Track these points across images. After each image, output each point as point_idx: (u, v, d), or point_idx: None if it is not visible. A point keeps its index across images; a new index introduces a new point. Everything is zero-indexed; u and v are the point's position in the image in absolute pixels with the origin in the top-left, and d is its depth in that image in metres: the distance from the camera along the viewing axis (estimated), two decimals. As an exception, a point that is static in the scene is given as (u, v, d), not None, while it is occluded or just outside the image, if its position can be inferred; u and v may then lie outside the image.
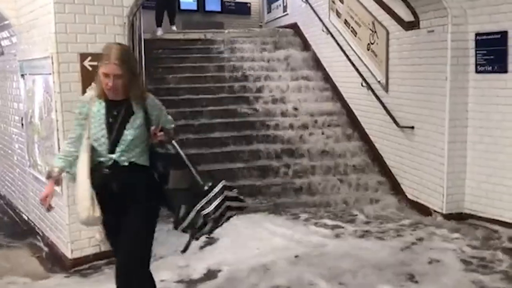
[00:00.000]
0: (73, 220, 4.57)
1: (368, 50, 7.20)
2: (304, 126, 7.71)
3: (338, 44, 7.98)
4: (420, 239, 5.18)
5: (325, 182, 6.80)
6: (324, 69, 8.74)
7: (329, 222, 5.79)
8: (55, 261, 4.89)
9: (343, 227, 5.61)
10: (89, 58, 4.51)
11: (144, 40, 6.63)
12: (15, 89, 6.03)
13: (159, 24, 9.85)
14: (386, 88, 6.77)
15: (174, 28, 10.17)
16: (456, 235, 5.23)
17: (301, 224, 5.75)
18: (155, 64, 8.20)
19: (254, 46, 9.42)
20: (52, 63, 4.43)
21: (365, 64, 7.28)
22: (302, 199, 6.55)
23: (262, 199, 6.46)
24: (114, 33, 4.64)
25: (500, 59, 5.21)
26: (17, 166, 6.33)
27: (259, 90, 8.31)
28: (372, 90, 7.03)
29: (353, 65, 7.50)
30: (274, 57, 9.12)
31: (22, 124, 5.81)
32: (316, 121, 7.82)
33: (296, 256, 4.73)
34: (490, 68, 5.32)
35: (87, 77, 4.49)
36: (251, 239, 5.17)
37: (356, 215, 6.06)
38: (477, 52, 5.39)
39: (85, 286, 4.30)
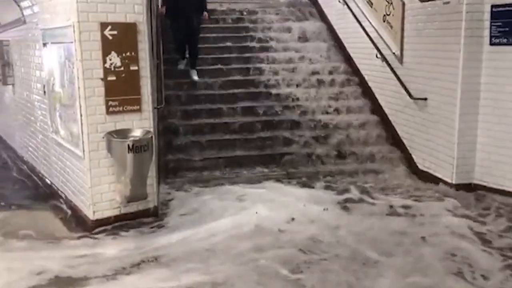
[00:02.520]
0: (95, 183, 4.82)
1: (384, 21, 7.20)
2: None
3: (354, 15, 7.97)
4: (427, 206, 5.35)
5: (337, 152, 6.93)
6: (340, 40, 8.76)
7: (341, 188, 6.04)
8: (78, 222, 5.16)
9: (354, 194, 5.84)
10: (109, 27, 4.66)
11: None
12: (37, 58, 6.21)
13: (181, 54, 8.11)
14: (400, 59, 6.80)
15: (195, 77, 7.87)
16: (462, 203, 5.40)
17: (315, 190, 6.00)
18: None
19: (270, 16, 9.44)
20: (74, 32, 4.58)
21: (380, 36, 7.29)
22: (316, 168, 6.71)
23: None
24: (133, 2, 4.78)
25: (515, 31, 5.22)
26: (40, 132, 6.57)
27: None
28: (387, 62, 7.06)
29: (369, 36, 7.51)
30: (289, 28, 9.15)
31: (44, 92, 6.02)
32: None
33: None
34: (505, 40, 5.34)
35: (107, 46, 4.68)
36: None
37: (366, 183, 6.21)
38: (492, 24, 5.40)
39: (106, 244, 4.56)
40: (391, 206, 5.42)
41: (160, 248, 4.45)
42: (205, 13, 7.87)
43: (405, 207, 5.40)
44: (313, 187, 6.10)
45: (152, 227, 4.92)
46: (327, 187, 6.10)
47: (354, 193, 5.88)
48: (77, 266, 4.14)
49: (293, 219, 5.02)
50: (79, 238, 4.78)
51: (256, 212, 5.10)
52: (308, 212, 5.20)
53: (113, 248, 4.47)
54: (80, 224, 5.08)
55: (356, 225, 4.90)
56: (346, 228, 4.83)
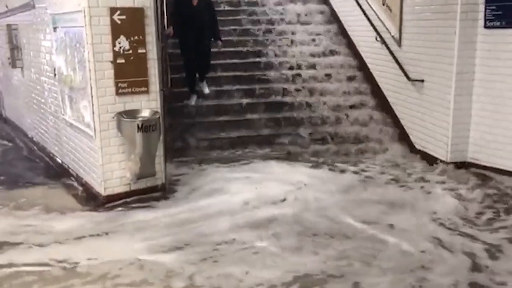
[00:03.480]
0: (106, 161, 5.08)
1: (383, 4, 7.37)
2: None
3: (354, -2, 8.13)
4: (420, 181, 5.68)
5: (337, 131, 7.17)
6: (341, 22, 8.93)
7: (340, 165, 6.35)
8: (90, 198, 5.44)
9: (351, 170, 6.16)
10: (118, 12, 4.88)
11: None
12: (47, 41, 6.42)
13: (192, 87, 7.32)
14: (399, 42, 6.99)
15: (206, 90, 7.39)
16: (454, 180, 5.68)
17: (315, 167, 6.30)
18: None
19: None
20: (85, 16, 4.80)
21: (379, 19, 7.47)
22: (315, 148, 6.96)
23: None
24: (141, -12, 4.97)
25: (509, 14, 5.40)
26: (51, 114, 6.81)
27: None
28: (386, 44, 7.25)
29: (369, 19, 7.69)
30: (290, 10, 9.31)
31: (55, 74, 6.25)
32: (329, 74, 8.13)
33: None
34: (498, 24, 5.52)
35: (116, 30, 4.90)
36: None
37: (365, 161, 6.47)
38: (487, 7, 5.58)
39: (117, 218, 4.84)
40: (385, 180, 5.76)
41: (166, 215, 4.85)
42: (219, 42, 7.29)
43: (399, 181, 5.74)
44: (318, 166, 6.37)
45: (159, 201, 5.21)
46: (328, 165, 6.37)
47: (353, 171, 6.16)
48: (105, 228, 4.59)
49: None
50: (90, 211, 5.07)
51: (256, 188, 5.41)
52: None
53: (126, 217, 4.84)
54: (92, 200, 5.36)
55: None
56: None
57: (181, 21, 6.84)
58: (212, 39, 7.20)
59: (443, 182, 5.63)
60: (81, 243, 4.34)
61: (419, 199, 5.22)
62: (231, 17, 8.93)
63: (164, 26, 6.69)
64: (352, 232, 4.44)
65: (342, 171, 6.14)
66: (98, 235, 4.48)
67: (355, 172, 6.11)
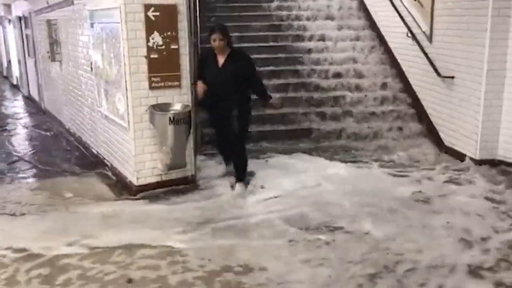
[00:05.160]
0: (139, 152, 5.29)
1: (415, 0, 7.33)
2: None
3: (386, -6, 8.11)
4: (450, 180, 5.64)
5: (368, 128, 7.21)
6: (372, 17, 8.92)
7: (368, 160, 6.42)
8: (123, 188, 5.66)
9: (381, 166, 6.19)
10: (152, 8, 5.05)
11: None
12: (85, 36, 6.68)
13: (224, 157, 5.79)
14: (430, 38, 6.96)
15: (239, 189, 5.34)
16: (484, 177, 5.64)
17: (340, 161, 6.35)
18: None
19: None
20: (121, 13, 4.99)
21: (411, 14, 7.44)
22: (347, 143, 7.05)
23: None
24: (174, -15, 5.13)
25: (542, 10, 5.34)
26: (87, 106, 7.09)
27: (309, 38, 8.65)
28: (417, 40, 7.23)
29: (400, 14, 7.67)
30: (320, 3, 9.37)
31: (91, 68, 6.50)
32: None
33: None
34: (531, 20, 5.46)
35: (150, 26, 5.08)
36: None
37: (394, 158, 6.49)
38: (519, 3, 5.52)
39: (149, 206, 5.05)
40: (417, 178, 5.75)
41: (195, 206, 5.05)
42: (273, 101, 5.41)
43: (429, 178, 5.72)
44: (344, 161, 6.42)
45: (190, 192, 5.40)
46: (357, 160, 6.43)
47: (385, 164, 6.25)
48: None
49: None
50: (124, 200, 5.29)
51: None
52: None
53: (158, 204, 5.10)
54: (125, 189, 5.58)
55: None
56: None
57: (207, 85, 5.20)
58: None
59: (471, 180, 5.60)
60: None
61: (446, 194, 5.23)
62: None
63: (197, 26, 6.58)
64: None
65: (369, 167, 6.17)
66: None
67: (381, 167, 6.16)
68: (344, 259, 3.90)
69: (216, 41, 5.04)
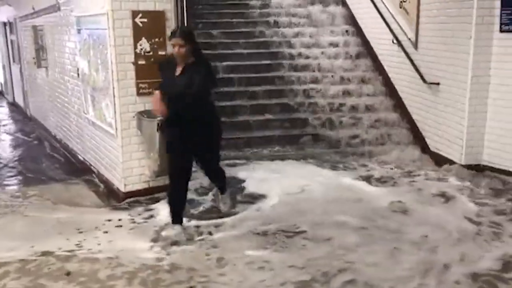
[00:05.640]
0: (126, 159, 5.26)
1: (401, 7, 7.42)
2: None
3: (372, 0, 8.19)
4: (433, 188, 5.63)
5: (354, 134, 7.26)
6: (358, 24, 9.01)
7: (356, 165, 6.48)
8: (110, 194, 5.64)
9: (365, 172, 6.20)
10: (140, 15, 5.06)
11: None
12: (71, 42, 6.65)
13: (175, 213, 4.45)
14: (415, 45, 7.04)
15: (223, 207, 5.01)
16: (468, 182, 5.71)
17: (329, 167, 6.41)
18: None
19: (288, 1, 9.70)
20: (108, 19, 4.99)
21: (396, 21, 7.53)
22: (331, 149, 7.05)
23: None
24: (162, -8, 5.14)
25: (525, 18, 5.44)
26: (73, 112, 7.04)
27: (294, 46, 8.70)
28: (402, 47, 7.31)
29: (386, 22, 7.75)
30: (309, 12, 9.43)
31: (78, 74, 6.47)
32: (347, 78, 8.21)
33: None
34: (514, 28, 5.56)
35: (138, 32, 5.08)
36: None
37: (379, 164, 6.53)
38: (502, 11, 5.61)
39: (136, 213, 5.00)
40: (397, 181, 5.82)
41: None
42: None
43: (412, 185, 5.73)
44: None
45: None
46: (340, 167, 6.44)
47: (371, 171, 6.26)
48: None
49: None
50: (111, 206, 5.26)
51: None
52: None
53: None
54: (112, 196, 5.56)
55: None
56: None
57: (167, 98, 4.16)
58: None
59: (457, 184, 5.66)
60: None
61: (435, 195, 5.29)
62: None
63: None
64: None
65: (351, 174, 6.15)
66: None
67: (365, 173, 6.18)
68: (286, 263, 3.84)
69: (175, 47, 4.11)
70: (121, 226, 4.67)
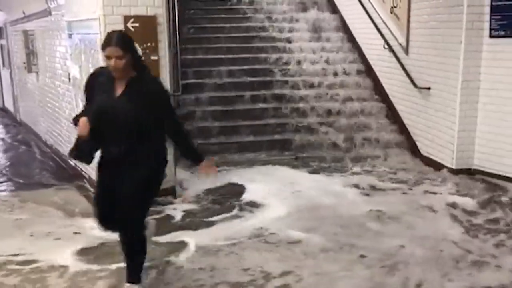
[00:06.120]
0: (118, 164, 5.22)
1: (391, 13, 7.49)
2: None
3: (363, 6, 8.24)
4: (421, 194, 5.66)
5: (344, 138, 7.28)
6: (350, 30, 9.05)
7: (340, 172, 6.46)
8: (102, 200, 5.58)
9: (352, 176, 6.26)
10: (132, 20, 5.05)
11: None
12: (62, 47, 6.62)
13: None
14: (406, 50, 7.10)
15: None
16: (460, 186, 5.75)
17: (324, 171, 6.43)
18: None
19: (281, 7, 9.72)
20: (100, 24, 4.97)
21: (387, 27, 7.58)
22: (324, 153, 7.08)
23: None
24: (153, -3, 5.14)
25: (514, 24, 5.51)
26: (64, 117, 6.99)
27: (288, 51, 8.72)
28: (393, 52, 7.36)
29: (377, 27, 7.80)
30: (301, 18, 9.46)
31: (69, 79, 6.43)
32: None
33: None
34: (503, 33, 5.62)
35: (130, 37, 5.05)
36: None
37: (368, 169, 6.55)
38: (492, 17, 5.68)
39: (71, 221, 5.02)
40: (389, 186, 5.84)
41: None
42: (204, 163, 3.46)
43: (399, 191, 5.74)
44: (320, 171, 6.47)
45: (170, 203, 5.37)
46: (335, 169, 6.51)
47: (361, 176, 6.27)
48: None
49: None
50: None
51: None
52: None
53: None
54: (104, 202, 5.51)
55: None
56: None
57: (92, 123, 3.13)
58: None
59: (448, 189, 5.69)
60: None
61: (423, 205, 5.26)
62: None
63: (177, 37, 6.40)
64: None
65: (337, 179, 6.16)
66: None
67: (352, 177, 6.21)
68: (234, 266, 3.85)
69: (111, 59, 3.06)
70: (80, 233, 4.63)
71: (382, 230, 4.58)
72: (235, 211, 5.14)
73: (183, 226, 4.80)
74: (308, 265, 3.89)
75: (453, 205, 5.18)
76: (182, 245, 4.29)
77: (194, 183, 5.87)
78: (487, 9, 5.71)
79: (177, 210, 5.19)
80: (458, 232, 4.50)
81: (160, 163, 3.37)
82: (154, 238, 4.20)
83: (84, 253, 4.17)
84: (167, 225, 4.79)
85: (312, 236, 4.43)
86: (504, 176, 5.81)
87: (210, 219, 4.94)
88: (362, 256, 4.02)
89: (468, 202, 5.25)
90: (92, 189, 5.93)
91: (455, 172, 6.10)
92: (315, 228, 4.59)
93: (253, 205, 5.26)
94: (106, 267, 3.87)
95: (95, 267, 3.90)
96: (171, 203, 5.37)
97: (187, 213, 5.11)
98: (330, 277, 3.68)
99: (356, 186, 5.84)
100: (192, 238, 4.41)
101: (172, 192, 5.54)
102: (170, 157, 5.23)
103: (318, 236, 4.43)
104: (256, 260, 3.97)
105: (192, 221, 4.89)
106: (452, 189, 5.68)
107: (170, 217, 5.02)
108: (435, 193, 5.60)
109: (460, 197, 5.41)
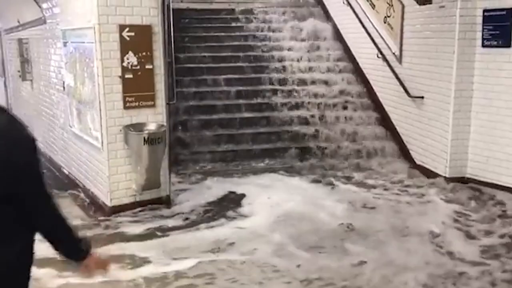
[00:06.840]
0: (113, 173, 5.22)
1: (385, 23, 7.55)
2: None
3: (357, 16, 8.31)
4: (418, 195, 5.77)
5: (338, 146, 7.30)
6: (344, 39, 9.10)
7: (341, 176, 6.56)
8: (96, 209, 5.57)
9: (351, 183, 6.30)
10: (127, 29, 5.07)
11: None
12: (57, 55, 6.62)
13: None
14: (399, 59, 7.15)
15: None
16: (452, 194, 5.80)
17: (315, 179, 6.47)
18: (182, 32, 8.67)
19: (277, 16, 9.77)
20: (95, 33, 4.98)
21: (381, 36, 7.64)
22: (315, 162, 7.08)
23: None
24: (149, 6, 5.18)
25: (505, 34, 5.56)
26: (59, 126, 6.99)
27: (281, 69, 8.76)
28: (387, 61, 7.41)
29: (370, 36, 7.86)
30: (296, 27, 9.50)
31: (64, 88, 6.43)
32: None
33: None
34: (495, 43, 5.68)
35: (125, 46, 5.08)
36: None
37: (360, 177, 6.56)
38: (484, 27, 5.74)
39: (122, 227, 4.98)
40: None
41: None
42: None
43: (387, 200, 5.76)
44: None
45: (164, 213, 5.35)
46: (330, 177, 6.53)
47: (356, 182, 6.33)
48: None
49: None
50: (97, 221, 5.20)
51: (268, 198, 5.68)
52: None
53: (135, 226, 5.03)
54: (98, 210, 5.49)
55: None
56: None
57: None
58: None
59: (442, 197, 5.72)
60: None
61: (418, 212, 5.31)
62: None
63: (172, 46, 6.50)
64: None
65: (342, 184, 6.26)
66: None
67: (357, 185, 6.24)
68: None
69: None
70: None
71: (359, 243, 4.57)
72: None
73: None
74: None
75: (446, 213, 5.23)
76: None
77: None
78: (479, 19, 5.77)
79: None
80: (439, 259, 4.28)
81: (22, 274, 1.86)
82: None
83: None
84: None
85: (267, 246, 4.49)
86: (497, 185, 5.84)
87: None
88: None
89: (461, 211, 5.31)
90: (87, 198, 5.93)
91: (449, 180, 6.13)
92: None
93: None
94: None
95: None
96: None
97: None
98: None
99: (348, 196, 5.86)
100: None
101: (166, 201, 5.53)
102: (164, 164, 5.36)
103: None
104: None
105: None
106: (445, 197, 5.71)
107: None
108: (428, 201, 5.62)
109: (452, 205, 5.46)
